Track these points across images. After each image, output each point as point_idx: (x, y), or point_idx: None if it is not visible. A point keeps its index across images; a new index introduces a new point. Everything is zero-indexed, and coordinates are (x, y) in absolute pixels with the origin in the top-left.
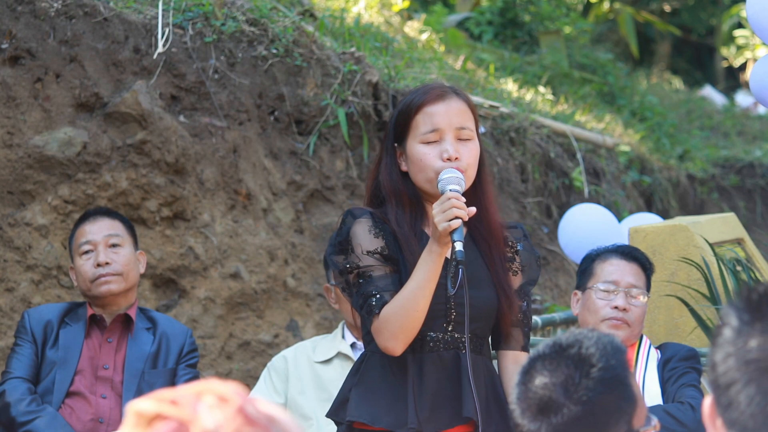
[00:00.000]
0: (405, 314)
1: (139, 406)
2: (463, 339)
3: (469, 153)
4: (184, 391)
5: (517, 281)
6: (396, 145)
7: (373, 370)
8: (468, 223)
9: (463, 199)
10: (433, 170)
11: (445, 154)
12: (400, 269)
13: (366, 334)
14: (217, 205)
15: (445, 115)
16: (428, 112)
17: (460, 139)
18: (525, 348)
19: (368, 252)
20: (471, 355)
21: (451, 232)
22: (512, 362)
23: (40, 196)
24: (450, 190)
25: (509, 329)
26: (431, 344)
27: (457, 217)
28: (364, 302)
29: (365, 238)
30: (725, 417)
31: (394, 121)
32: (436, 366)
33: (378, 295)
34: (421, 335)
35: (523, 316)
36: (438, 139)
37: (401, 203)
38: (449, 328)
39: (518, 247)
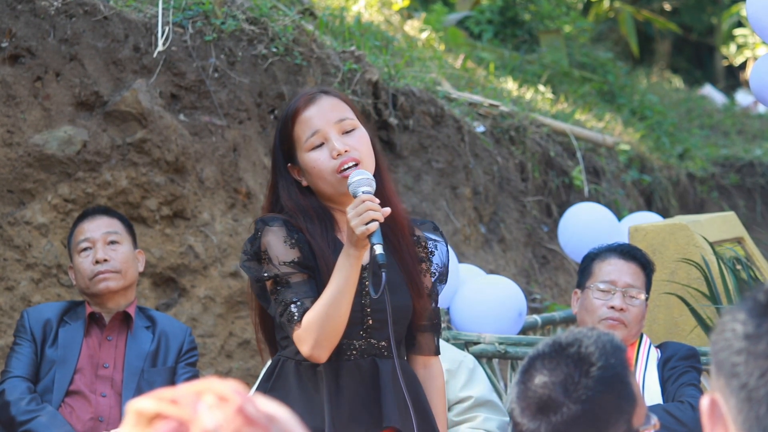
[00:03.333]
0: (327, 321)
1: (140, 405)
2: (380, 345)
3: (358, 141)
4: (184, 390)
5: (428, 282)
6: (289, 165)
7: (287, 377)
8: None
9: (377, 200)
10: (330, 171)
11: (334, 152)
12: (315, 276)
13: (281, 339)
14: (217, 203)
15: (319, 115)
16: (303, 119)
17: (344, 132)
18: (436, 351)
19: (285, 263)
20: (386, 361)
21: (369, 236)
22: (422, 367)
23: (40, 195)
24: (363, 193)
25: (420, 334)
26: (347, 352)
27: (373, 220)
28: (284, 310)
29: (280, 248)
30: (746, 416)
31: (277, 142)
32: (352, 374)
33: (299, 302)
34: (338, 343)
35: (435, 318)
36: (323, 140)
37: (309, 217)
38: (365, 335)
39: (430, 248)
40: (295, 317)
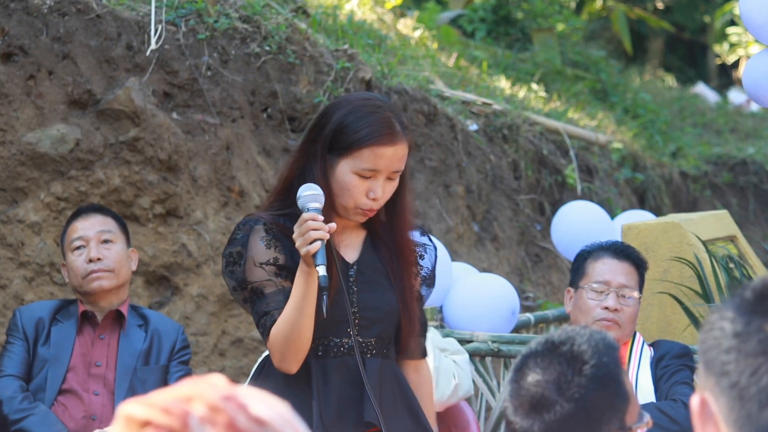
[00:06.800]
0: (289, 335)
1: (130, 410)
2: (368, 342)
3: (390, 191)
4: (174, 396)
5: (417, 285)
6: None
7: (275, 375)
8: (372, 228)
9: (321, 218)
10: (355, 203)
11: (372, 194)
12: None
13: None
14: (210, 202)
15: (389, 160)
16: (377, 152)
17: (388, 179)
18: (423, 354)
19: (260, 264)
20: (373, 359)
21: (313, 255)
22: (413, 371)
23: (33, 193)
24: (310, 209)
25: (408, 338)
26: (335, 350)
27: (317, 239)
28: (258, 321)
29: (257, 249)
30: (738, 415)
31: (333, 131)
32: (340, 371)
33: (269, 314)
34: (326, 341)
35: (421, 322)
36: (372, 176)
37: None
38: (353, 333)
39: (419, 252)
40: (267, 330)
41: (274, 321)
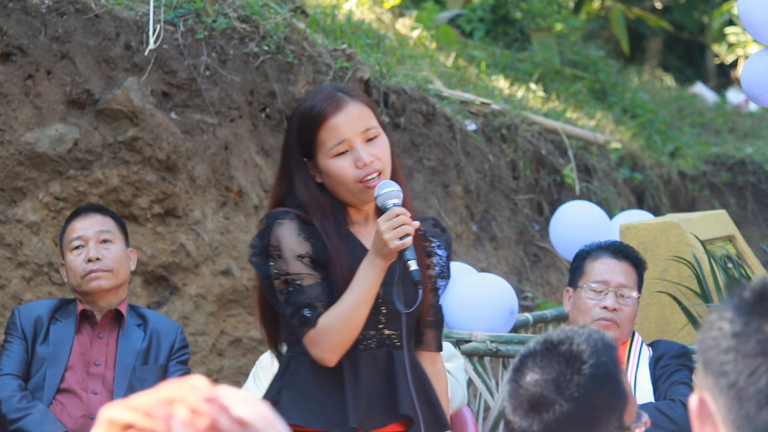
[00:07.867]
0: (345, 327)
1: (112, 413)
2: (393, 335)
3: (381, 150)
4: (156, 399)
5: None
6: (305, 159)
7: (303, 372)
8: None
9: (409, 213)
10: (353, 181)
11: (360, 162)
12: (329, 274)
13: (290, 336)
14: (209, 201)
15: (348, 125)
16: (330, 125)
17: (368, 140)
18: (439, 348)
19: (298, 256)
20: (400, 352)
21: (403, 250)
22: (430, 364)
23: (32, 193)
24: (393, 205)
25: (424, 329)
26: (364, 343)
27: (408, 234)
28: (296, 312)
29: (294, 241)
30: (736, 415)
31: (296, 136)
32: (369, 364)
33: (312, 306)
34: None
35: (437, 314)
36: (348, 148)
37: (325, 214)
38: (380, 326)
39: (434, 245)
40: (311, 321)
41: (320, 313)
